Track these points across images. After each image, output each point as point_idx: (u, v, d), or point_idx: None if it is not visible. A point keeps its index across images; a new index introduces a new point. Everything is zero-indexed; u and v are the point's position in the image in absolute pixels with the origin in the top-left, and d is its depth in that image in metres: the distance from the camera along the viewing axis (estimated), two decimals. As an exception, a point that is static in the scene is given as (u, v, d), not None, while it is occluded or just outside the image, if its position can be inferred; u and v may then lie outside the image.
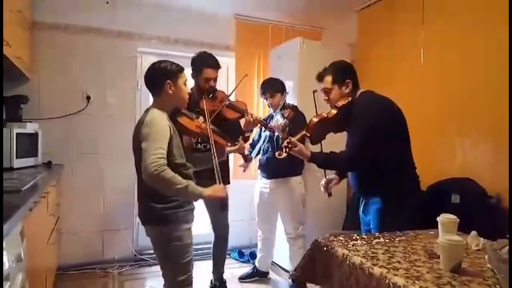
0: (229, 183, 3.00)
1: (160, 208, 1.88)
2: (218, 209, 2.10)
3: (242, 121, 2.76)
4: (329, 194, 2.44)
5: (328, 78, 2.18)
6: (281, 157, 2.09)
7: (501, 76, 2.34)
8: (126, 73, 3.70)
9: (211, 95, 2.72)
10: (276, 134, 2.88)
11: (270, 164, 3.12)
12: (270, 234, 3.34)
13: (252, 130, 2.89)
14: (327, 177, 2.42)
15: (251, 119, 2.68)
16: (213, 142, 2.15)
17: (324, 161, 2.16)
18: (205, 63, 2.72)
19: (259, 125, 2.79)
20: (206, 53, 2.81)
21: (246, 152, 2.93)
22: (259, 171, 3.30)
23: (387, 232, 1.85)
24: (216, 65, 2.76)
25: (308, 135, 2.13)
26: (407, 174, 2.11)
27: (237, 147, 2.45)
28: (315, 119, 2.14)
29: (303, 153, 2.09)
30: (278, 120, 2.80)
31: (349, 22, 3.85)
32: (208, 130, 2.22)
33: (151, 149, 1.72)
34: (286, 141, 2.08)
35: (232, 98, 2.88)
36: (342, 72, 2.17)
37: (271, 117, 3.16)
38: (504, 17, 2.29)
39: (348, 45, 3.79)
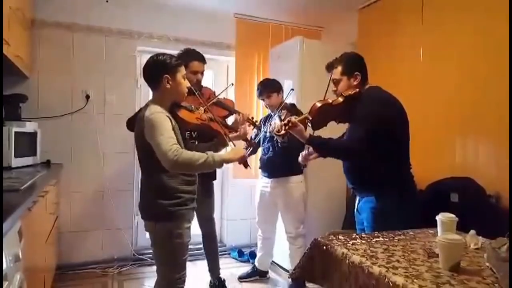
0: (215, 179, 3.02)
1: (165, 204, 1.89)
2: (243, 167, 2.13)
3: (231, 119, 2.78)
4: (305, 165, 2.53)
5: (338, 69, 2.17)
6: (280, 134, 2.08)
7: (500, 76, 2.34)
8: (126, 72, 3.70)
9: (197, 91, 2.73)
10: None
11: (271, 163, 3.12)
12: (270, 234, 3.34)
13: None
14: (308, 150, 2.39)
15: (240, 117, 2.65)
16: (217, 121, 2.21)
17: (321, 145, 2.14)
18: (191, 56, 2.74)
19: (248, 125, 2.77)
20: (191, 48, 2.84)
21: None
22: (260, 170, 3.30)
23: (381, 231, 1.85)
24: (202, 59, 2.78)
25: (310, 118, 2.11)
26: (403, 174, 2.11)
27: (239, 133, 2.41)
28: (319, 104, 2.12)
29: (302, 134, 2.08)
30: (275, 122, 2.79)
31: (349, 21, 3.84)
32: (208, 118, 2.23)
33: (163, 142, 1.74)
34: (287, 119, 2.07)
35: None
36: (352, 64, 2.16)
37: (270, 117, 3.16)
38: (504, 15, 2.28)
39: (348, 44, 3.78)
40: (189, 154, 1.77)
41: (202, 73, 2.78)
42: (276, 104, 3.08)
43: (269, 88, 3.09)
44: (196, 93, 2.28)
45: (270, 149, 3.09)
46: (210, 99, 2.67)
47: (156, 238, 1.97)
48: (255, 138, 3.13)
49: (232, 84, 3.14)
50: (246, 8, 3.89)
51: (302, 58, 3.45)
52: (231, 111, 2.74)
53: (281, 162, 3.04)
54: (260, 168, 3.28)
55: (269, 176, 3.17)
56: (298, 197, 3.11)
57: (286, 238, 3.17)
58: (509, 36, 2.23)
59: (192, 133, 2.73)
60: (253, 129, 3.00)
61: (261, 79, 3.70)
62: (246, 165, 2.10)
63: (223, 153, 1.96)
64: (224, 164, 1.91)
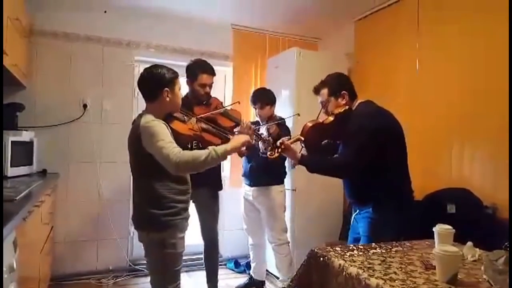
0: (221, 189, 3.01)
1: (158, 214, 1.88)
2: (245, 154, 2.08)
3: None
4: (293, 167, 2.56)
5: (324, 91, 2.20)
6: (273, 157, 2.11)
7: (498, 87, 2.36)
8: (123, 81, 3.71)
9: (205, 102, 2.73)
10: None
11: (253, 172, 3.16)
12: (259, 240, 3.35)
13: None
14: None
15: (246, 130, 2.63)
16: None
17: (315, 165, 2.16)
18: (201, 69, 2.73)
19: (253, 136, 2.75)
20: (201, 60, 2.84)
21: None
22: (242, 178, 3.31)
23: (376, 241, 1.85)
24: (211, 72, 2.77)
25: (302, 139, 2.13)
26: (400, 185, 2.11)
27: None
28: (309, 124, 2.14)
29: (295, 156, 2.12)
30: (263, 133, 2.80)
31: (346, 33, 3.88)
32: (201, 129, 2.23)
33: (164, 147, 1.75)
34: (279, 141, 2.10)
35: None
36: (338, 84, 2.19)
37: (257, 124, 3.15)
38: (502, 27, 2.30)
39: (344, 55, 3.82)
40: (191, 153, 1.77)
41: (210, 86, 2.78)
42: (266, 116, 3.11)
43: (264, 98, 3.12)
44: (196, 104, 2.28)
45: (254, 157, 3.09)
46: (217, 108, 2.68)
47: (149, 248, 1.96)
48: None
49: (239, 102, 3.13)
50: (243, 19, 3.92)
51: (298, 68, 3.47)
52: (238, 123, 2.73)
53: (263, 172, 3.09)
54: (242, 175, 3.31)
55: (251, 185, 3.21)
56: (277, 206, 3.15)
57: (272, 248, 3.20)
58: (509, 47, 2.25)
59: (199, 144, 2.71)
60: (257, 140, 2.96)
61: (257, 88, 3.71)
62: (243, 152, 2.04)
63: (225, 144, 1.92)
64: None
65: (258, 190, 3.17)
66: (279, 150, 2.08)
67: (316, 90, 2.25)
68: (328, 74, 2.27)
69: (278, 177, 3.20)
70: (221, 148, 1.84)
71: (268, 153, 2.16)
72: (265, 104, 3.10)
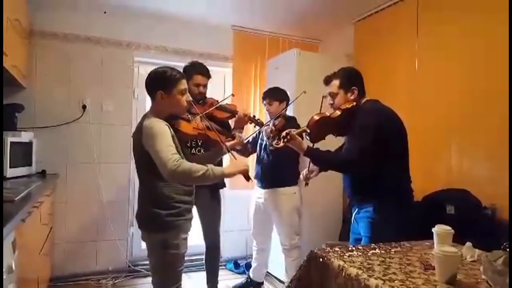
0: (224, 186, 3.04)
1: (161, 214, 1.88)
2: (244, 179, 1.99)
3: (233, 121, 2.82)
4: (306, 184, 2.46)
5: (335, 82, 2.20)
6: (278, 146, 2.11)
7: (498, 87, 2.36)
8: (123, 82, 3.71)
9: (201, 101, 2.76)
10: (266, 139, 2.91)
11: (266, 173, 3.12)
12: (265, 245, 3.32)
13: (243, 128, 2.88)
14: (309, 168, 2.41)
15: (242, 117, 2.73)
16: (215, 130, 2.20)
17: (319, 158, 2.17)
18: (195, 69, 2.80)
19: (249, 122, 2.82)
20: (198, 62, 2.90)
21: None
22: (255, 180, 3.29)
23: (377, 241, 1.85)
24: (206, 73, 2.83)
25: (308, 131, 2.13)
26: (401, 185, 2.11)
27: (235, 141, 2.43)
28: (316, 117, 2.14)
29: (300, 147, 2.12)
30: (269, 126, 2.82)
31: (345, 34, 3.88)
32: (206, 126, 2.25)
33: (162, 150, 1.73)
34: (285, 131, 2.10)
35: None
36: (350, 78, 2.19)
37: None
38: (502, 28, 2.31)
39: (344, 56, 3.82)
40: (189, 165, 1.73)
41: (204, 86, 2.83)
42: (275, 112, 3.08)
43: (273, 95, 3.12)
44: (193, 103, 2.29)
45: (265, 158, 3.09)
46: (213, 105, 2.71)
47: (152, 248, 1.96)
48: (257, 130, 3.11)
49: (233, 95, 3.16)
50: (243, 20, 3.92)
51: (298, 69, 3.47)
52: (233, 113, 2.78)
53: (275, 173, 3.06)
54: (255, 178, 3.28)
55: (263, 187, 3.17)
56: (291, 208, 3.09)
57: (282, 250, 3.15)
58: (509, 48, 2.25)
59: (198, 141, 2.76)
60: (254, 126, 2.98)
61: (258, 90, 3.70)
62: (247, 178, 2.00)
63: (225, 166, 1.92)
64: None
65: (271, 192, 3.11)
66: (285, 140, 2.07)
67: (327, 81, 2.25)
68: (331, 72, 2.27)
69: (291, 178, 3.11)
70: (218, 170, 1.82)
71: (274, 142, 2.15)
72: (273, 100, 3.09)
